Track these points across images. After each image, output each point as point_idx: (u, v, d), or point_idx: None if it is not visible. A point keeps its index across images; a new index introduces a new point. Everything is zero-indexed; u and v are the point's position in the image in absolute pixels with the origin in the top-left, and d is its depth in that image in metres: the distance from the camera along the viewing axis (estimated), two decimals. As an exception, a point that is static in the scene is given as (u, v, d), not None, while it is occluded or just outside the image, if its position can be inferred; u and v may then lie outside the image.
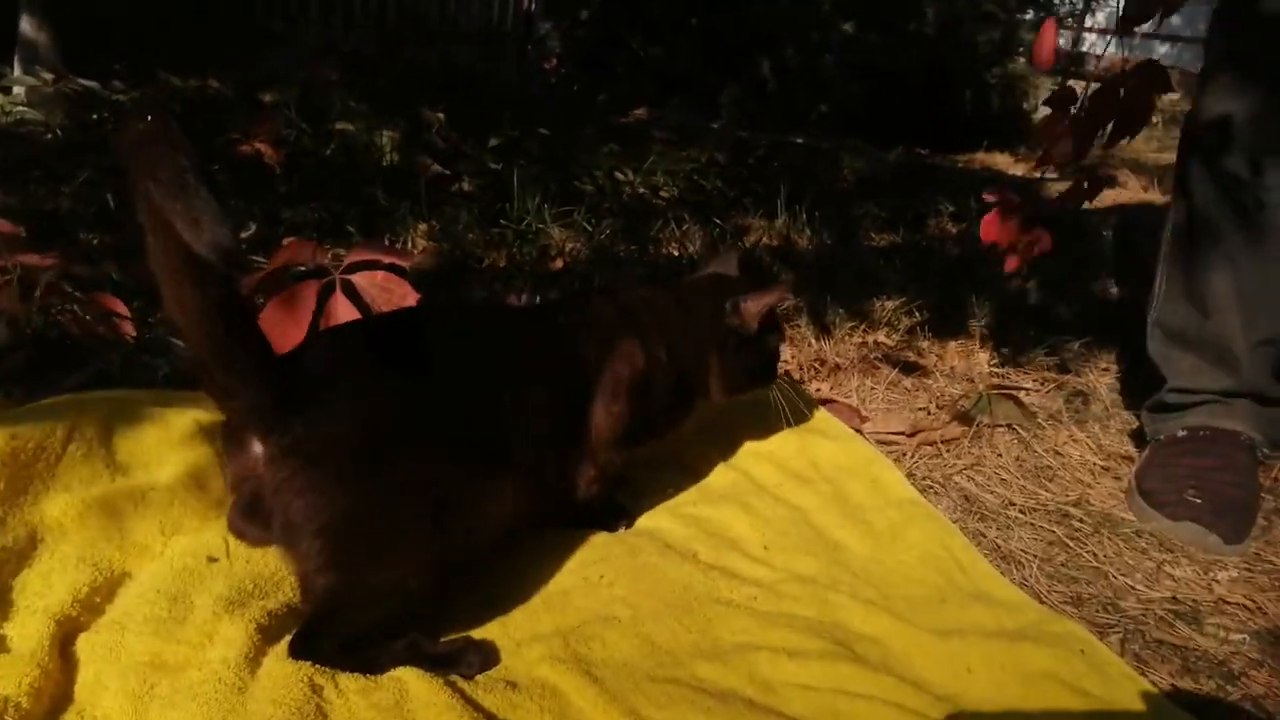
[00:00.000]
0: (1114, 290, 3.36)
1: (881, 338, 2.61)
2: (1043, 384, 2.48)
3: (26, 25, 4.31)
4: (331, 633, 1.14)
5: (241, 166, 3.46)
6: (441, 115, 4.23)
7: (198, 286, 0.98)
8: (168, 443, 1.50)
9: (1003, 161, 6.91)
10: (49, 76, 4.17)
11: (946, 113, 7.08)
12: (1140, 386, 2.23)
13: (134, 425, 1.54)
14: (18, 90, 4.06)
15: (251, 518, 1.23)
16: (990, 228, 1.85)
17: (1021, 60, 7.53)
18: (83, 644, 1.14)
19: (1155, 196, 5.72)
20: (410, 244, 2.91)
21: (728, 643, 1.29)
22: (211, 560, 1.31)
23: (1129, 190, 6.19)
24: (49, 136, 3.61)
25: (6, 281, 1.95)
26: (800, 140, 6.40)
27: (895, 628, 1.37)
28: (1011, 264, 1.99)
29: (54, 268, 2.04)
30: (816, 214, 3.48)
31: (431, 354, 1.28)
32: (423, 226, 2.98)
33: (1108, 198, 5.68)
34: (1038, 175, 6.50)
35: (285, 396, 1.11)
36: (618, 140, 5.01)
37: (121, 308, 2.00)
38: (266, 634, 1.17)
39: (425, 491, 1.16)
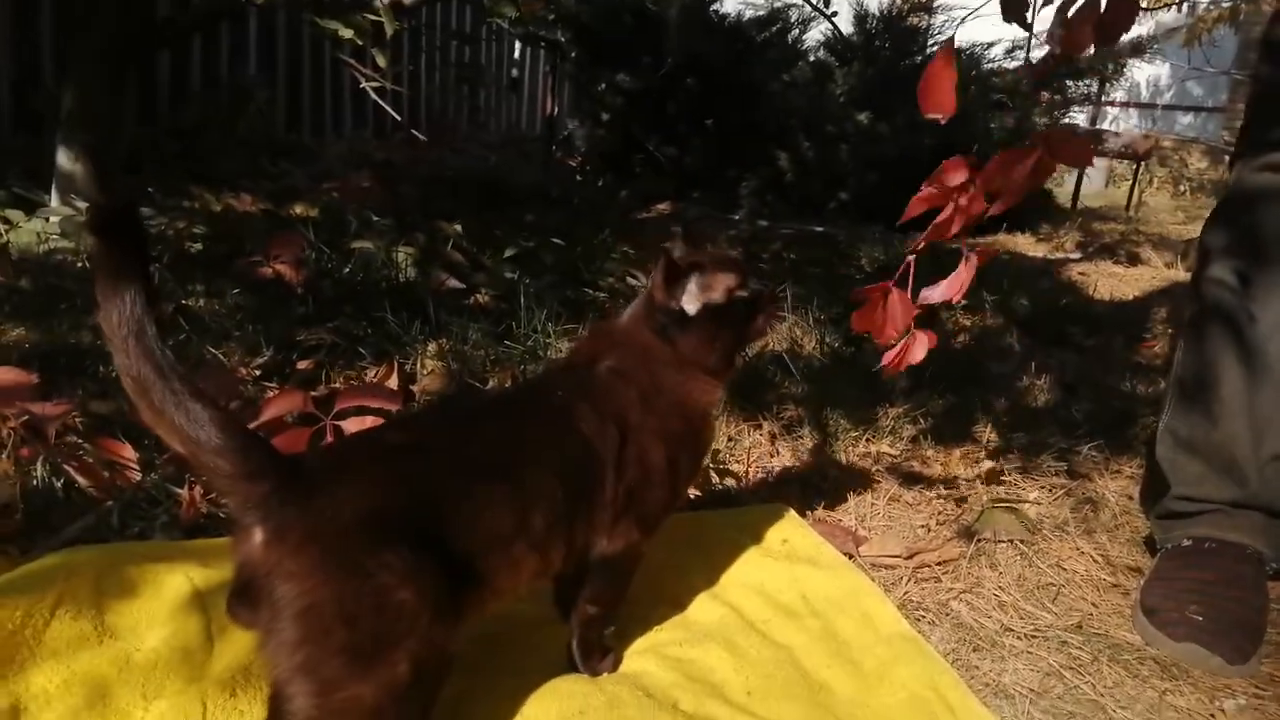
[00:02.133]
0: (1133, 386, 3.32)
1: (885, 447, 2.60)
2: (1050, 491, 2.45)
3: (63, 157, 4.53)
4: None
5: (262, 288, 3.57)
6: (459, 227, 4.35)
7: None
8: (157, 606, 1.54)
9: (1024, 243, 6.91)
10: (83, 205, 4.36)
11: (965, 196, 7.11)
12: (1155, 491, 2.19)
13: (125, 586, 1.58)
14: (54, 220, 4.24)
15: (243, 599, 1.20)
16: (863, 318, 1.59)
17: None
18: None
19: (1178, 274, 5.68)
20: (420, 365, 2.97)
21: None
22: (188, 728, 1.33)
23: (1151, 267, 6.15)
24: (79, 265, 3.76)
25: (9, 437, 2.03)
26: (819, 229, 6.47)
27: (875, 781, 1.34)
28: (889, 362, 1.60)
29: (63, 414, 2.12)
30: (822, 316, 3.50)
31: (430, 446, 1.30)
32: (433, 346, 3.04)
33: (1129, 278, 5.65)
34: (1059, 256, 6.49)
35: (284, 485, 1.13)
36: (635, 240, 5.10)
37: (129, 453, 2.06)
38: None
39: (420, 586, 1.14)
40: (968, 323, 4.01)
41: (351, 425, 1.88)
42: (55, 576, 1.55)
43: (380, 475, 1.20)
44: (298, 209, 5.15)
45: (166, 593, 1.58)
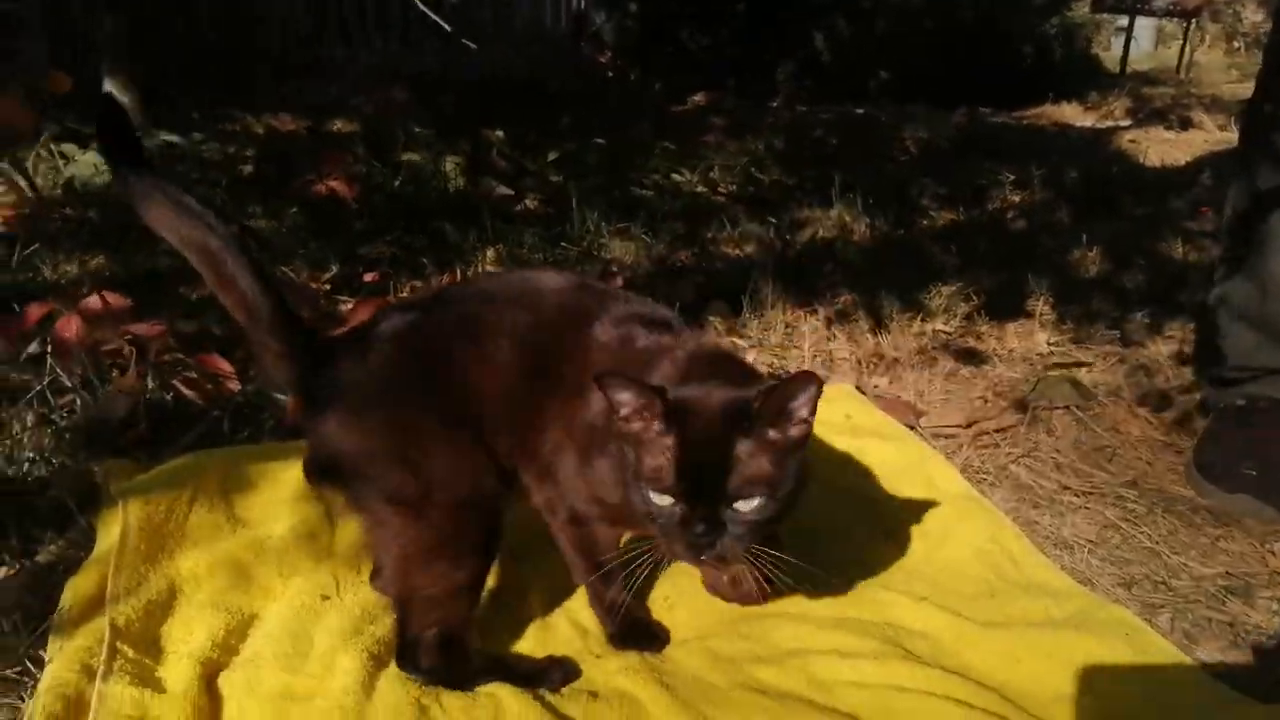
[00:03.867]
0: (1184, 252, 3.33)
1: (939, 326, 2.67)
2: (1104, 358, 2.52)
3: (110, 87, 4.61)
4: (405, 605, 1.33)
5: (318, 206, 3.67)
6: (501, 134, 4.38)
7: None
8: (279, 498, 1.69)
9: (1071, 113, 6.78)
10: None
11: (1007, 68, 6.96)
12: (1207, 356, 2.25)
13: (248, 483, 1.74)
14: (110, 150, 4.34)
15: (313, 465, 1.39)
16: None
17: (1081, 7, 7.33)
18: (224, 681, 1.32)
19: (1231, 137, 5.56)
20: (480, 271, 3.07)
21: (784, 649, 1.41)
22: (324, 598, 1.48)
23: (1204, 130, 6.02)
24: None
25: (121, 358, 2.18)
26: (861, 111, 6.39)
27: (945, 622, 1.47)
28: None
29: (162, 335, 2.25)
30: (871, 200, 3.53)
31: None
32: (490, 253, 3.14)
33: (1180, 143, 5.55)
34: (1108, 125, 6.36)
35: (321, 361, 1.34)
36: (675, 135, 5.10)
37: (226, 366, 2.20)
38: (377, 660, 1.34)
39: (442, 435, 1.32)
40: (1016, 198, 4.01)
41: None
42: (186, 477, 1.70)
43: (397, 347, 1.35)
44: (337, 125, 5.20)
45: (285, 486, 1.73)
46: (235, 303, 1.31)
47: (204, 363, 2.18)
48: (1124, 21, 9.55)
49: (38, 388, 2.01)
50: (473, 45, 3.36)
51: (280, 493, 1.71)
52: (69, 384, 2.04)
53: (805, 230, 3.41)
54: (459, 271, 2.98)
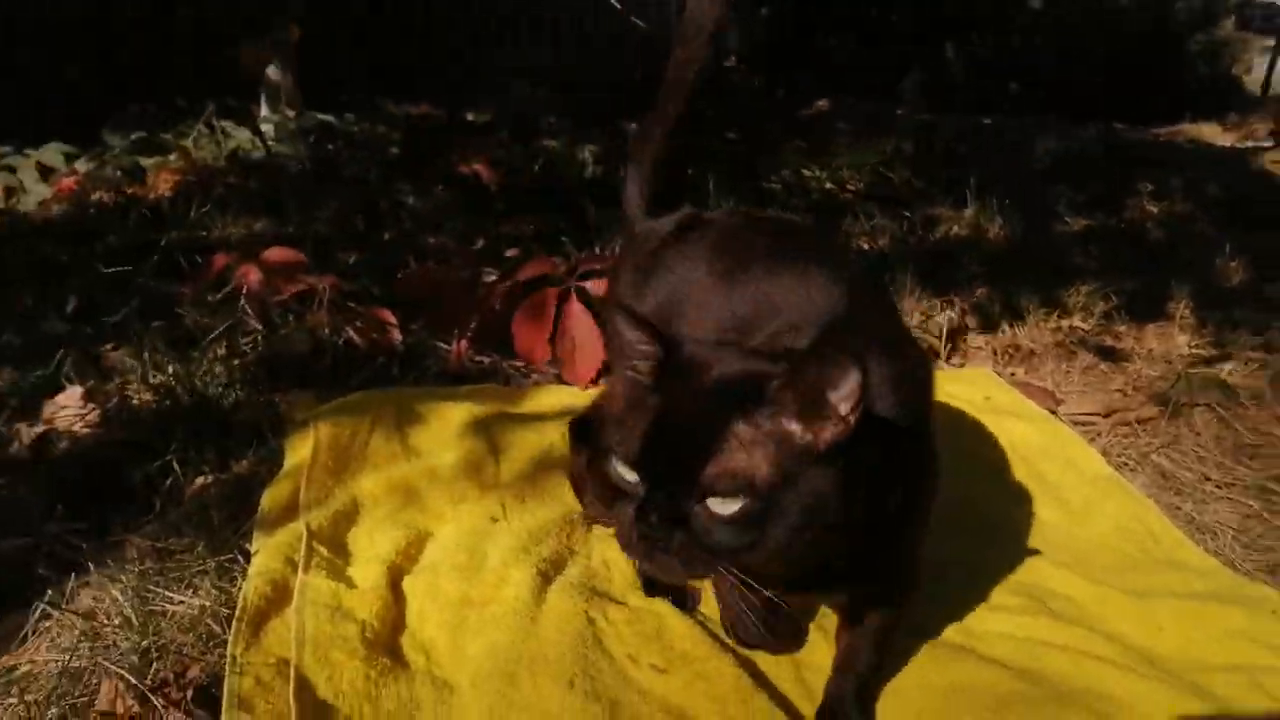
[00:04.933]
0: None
1: (1077, 322, 2.66)
2: (1246, 364, 2.47)
3: (272, 70, 4.90)
4: None
5: (462, 186, 3.85)
6: (635, 126, 4.50)
7: None
8: (447, 433, 1.82)
9: (1209, 132, 6.56)
10: (291, 114, 4.73)
11: (1145, 85, 6.78)
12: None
13: (419, 418, 1.87)
14: (266, 128, 4.63)
15: None
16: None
17: (1229, 25, 7.09)
18: (407, 585, 1.44)
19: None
20: (612, 253, 3.18)
21: (945, 600, 1.46)
22: (493, 520, 1.60)
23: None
24: (297, 168, 4.12)
25: (297, 305, 2.36)
26: (989, 122, 6.32)
27: (1089, 588, 1.50)
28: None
29: (333, 287, 2.43)
30: (1008, 201, 3.52)
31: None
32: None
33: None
34: (1249, 145, 6.14)
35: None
36: (802, 135, 5.16)
37: (391, 318, 2.36)
38: (545, 576, 1.45)
39: None
40: (1154, 209, 3.93)
41: (592, 286, 2.10)
42: (365, 408, 1.85)
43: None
44: (473, 115, 5.42)
45: (452, 422, 1.86)
46: None
47: (372, 313, 2.35)
48: (1270, 42, 9.17)
49: (224, 326, 2.20)
50: (642, 24, 3.45)
51: (447, 428, 1.84)
52: (253, 325, 2.22)
53: (938, 228, 3.43)
54: (597, 250, 3.09)
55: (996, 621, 1.41)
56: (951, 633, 1.40)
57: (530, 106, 5.26)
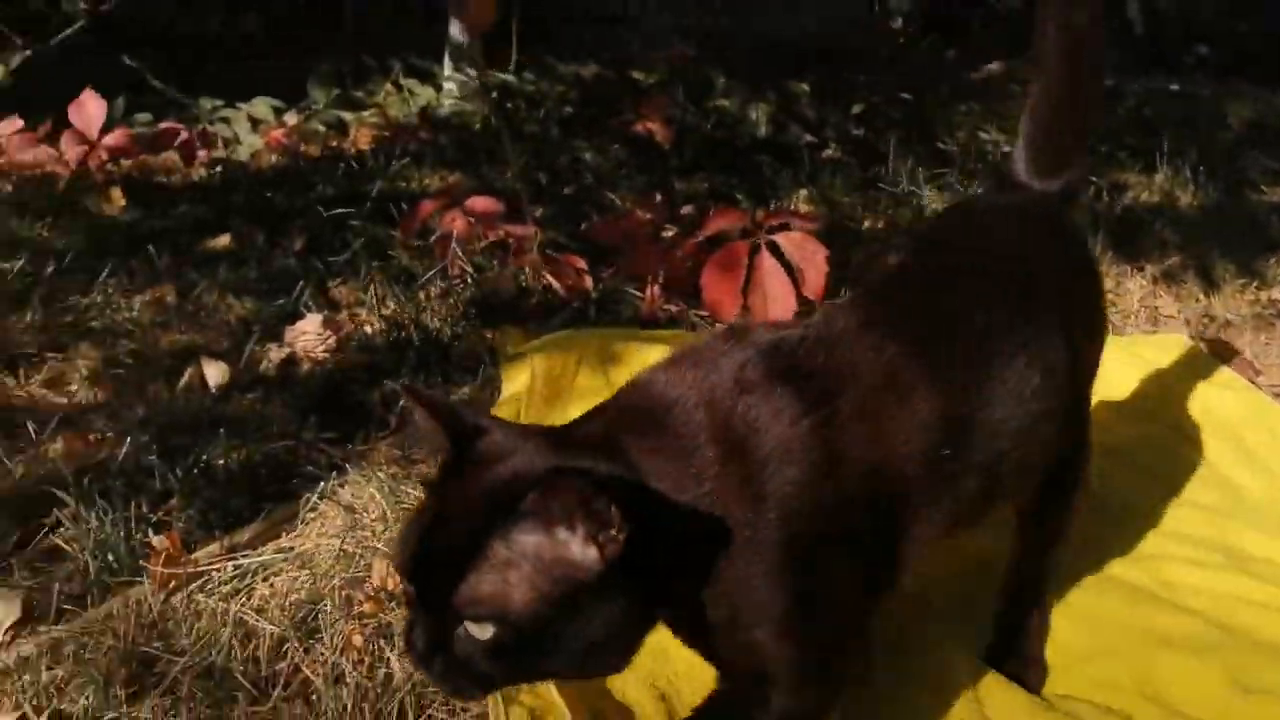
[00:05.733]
0: None
1: (1276, 294, 2.57)
2: None
3: (455, 30, 5.12)
4: None
5: (636, 145, 3.97)
6: (806, 87, 4.52)
7: None
8: (647, 369, 1.93)
9: None
10: (473, 73, 4.94)
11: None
12: None
13: (617, 357, 2.00)
14: (449, 86, 4.85)
15: None
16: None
17: None
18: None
19: None
20: (793, 209, 3.24)
21: (1142, 552, 1.49)
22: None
23: None
24: (478, 125, 4.32)
25: (500, 249, 2.52)
26: (1175, 87, 6.00)
27: (1290, 553, 1.49)
28: None
29: (532, 235, 2.58)
30: (1200, 168, 3.38)
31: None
32: (803, 193, 3.29)
33: None
34: None
35: None
36: (975, 98, 5.04)
37: (583, 265, 2.50)
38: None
39: None
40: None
41: (781, 240, 2.18)
42: (570, 345, 1.99)
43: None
44: (637, 74, 5.52)
45: (649, 362, 1.97)
46: None
47: (567, 261, 2.49)
48: None
49: (438, 267, 2.38)
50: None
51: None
52: (462, 267, 2.40)
53: (1126, 194, 3.33)
54: (773, 206, 3.16)
55: (1193, 576, 1.43)
56: (1148, 581, 1.43)
57: (700, 66, 5.32)
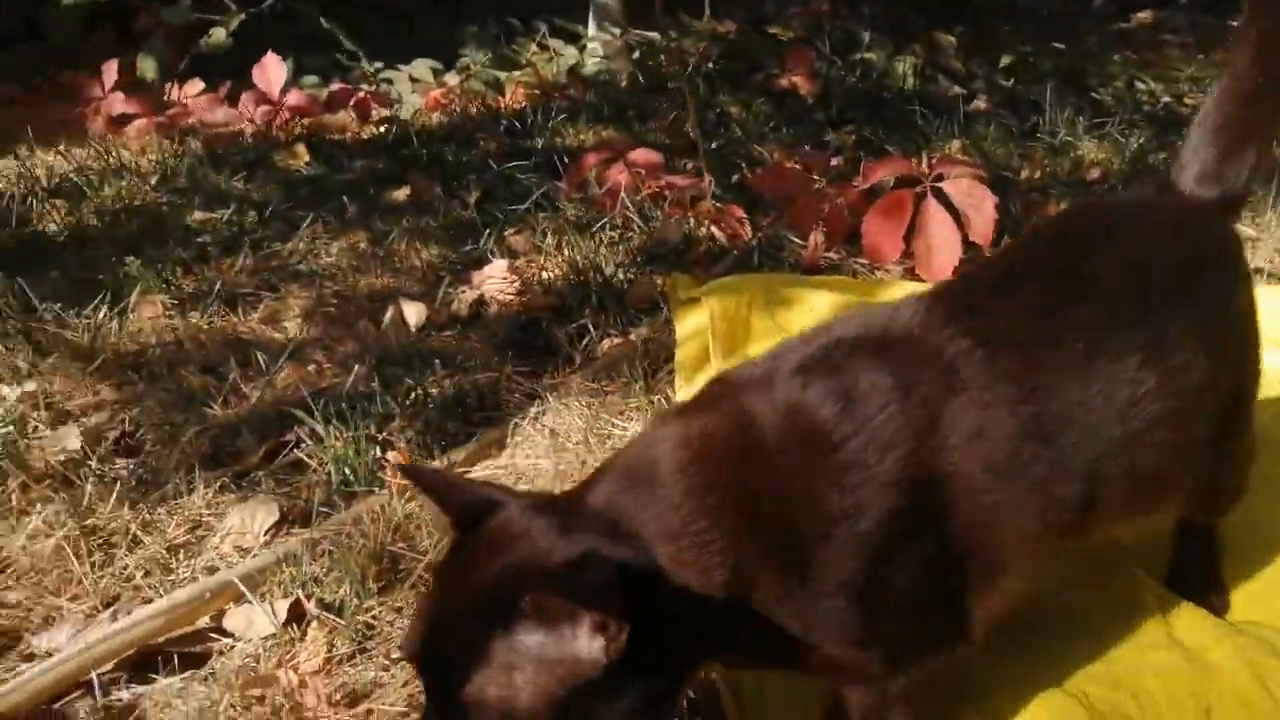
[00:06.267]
0: None
1: None
2: None
3: (598, -11, 5.21)
4: None
5: (782, 99, 4.00)
6: (953, 39, 4.44)
7: None
8: (810, 315, 2.01)
9: None
10: (617, 32, 5.03)
11: None
12: None
13: (785, 300, 2.08)
14: (593, 46, 4.94)
15: None
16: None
17: None
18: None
19: None
20: (936, 162, 3.23)
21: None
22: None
23: None
24: (624, 82, 4.42)
25: (663, 199, 2.62)
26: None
27: None
28: None
29: (693, 185, 2.67)
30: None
31: None
32: (955, 144, 3.28)
33: None
34: None
35: None
36: (1127, 48, 4.87)
37: (743, 214, 2.58)
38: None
39: None
40: None
41: (948, 186, 2.21)
42: (741, 288, 2.08)
43: None
44: (775, 30, 5.50)
45: (816, 306, 2.05)
46: None
47: (727, 210, 2.57)
48: None
49: (607, 217, 2.50)
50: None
51: (812, 312, 2.03)
52: (628, 217, 2.51)
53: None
54: (926, 158, 3.15)
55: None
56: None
57: (841, 20, 5.28)
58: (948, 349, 1.01)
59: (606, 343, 2.04)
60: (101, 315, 2.06)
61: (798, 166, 3.32)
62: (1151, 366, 1.05)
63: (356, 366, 1.86)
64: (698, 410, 1.02)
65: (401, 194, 2.86)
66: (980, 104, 3.91)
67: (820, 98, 3.97)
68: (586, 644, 0.81)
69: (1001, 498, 0.99)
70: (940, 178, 2.27)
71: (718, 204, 2.57)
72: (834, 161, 3.33)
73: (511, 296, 2.21)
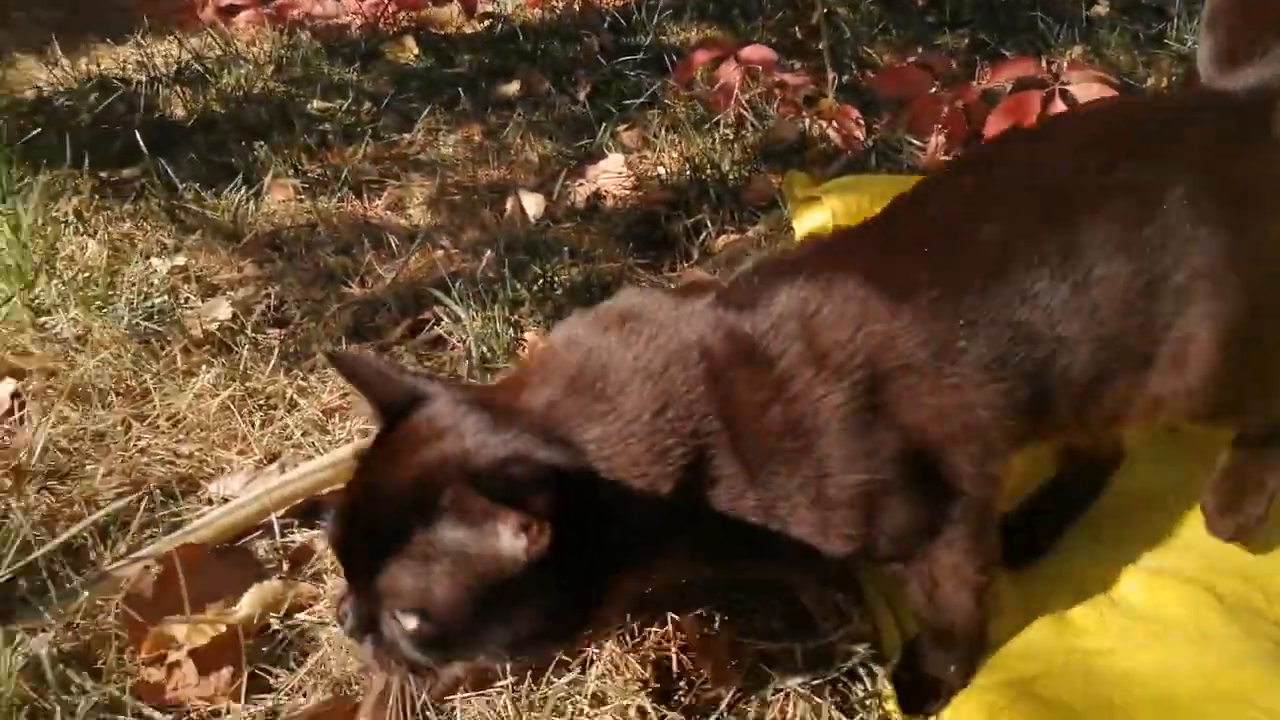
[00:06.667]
0: None
1: None
2: None
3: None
4: None
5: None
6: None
7: None
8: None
9: None
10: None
11: None
12: None
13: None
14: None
15: None
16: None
17: None
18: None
19: None
20: (1064, 67, 3.12)
21: None
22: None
23: None
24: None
25: (775, 97, 2.60)
26: None
27: None
28: None
29: (805, 84, 2.64)
30: None
31: None
32: (1075, 50, 3.16)
33: None
34: None
35: None
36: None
37: (857, 114, 2.55)
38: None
39: None
40: None
41: (1076, 90, 2.16)
42: (859, 187, 2.08)
43: None
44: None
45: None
46: None
47: (843, 111, 2.55)
48: None
49: (720, 114, 2.49)
50: None
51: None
52: (742, 114, 2.50)
53: None
54: (1046, 63, 3.06)
55: None
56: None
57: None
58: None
59: (723, 238, 2.07)
60: (239, 197, 2.15)
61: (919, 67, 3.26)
62: (1142, 271, 1.01)
63: (488, 253, 1.92)
64: (638, 323, 0.99)
65: (512, 88, 2.88)
66: (1102, 9, 3.76)
67: (931, 0, 3.84)
68: (508, 542, 0.82)
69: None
70: (1066, 82, 2.21)
71: (828, 102, 2.55)
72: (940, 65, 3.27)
73: (627, 191, 2.24)
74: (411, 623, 0.84)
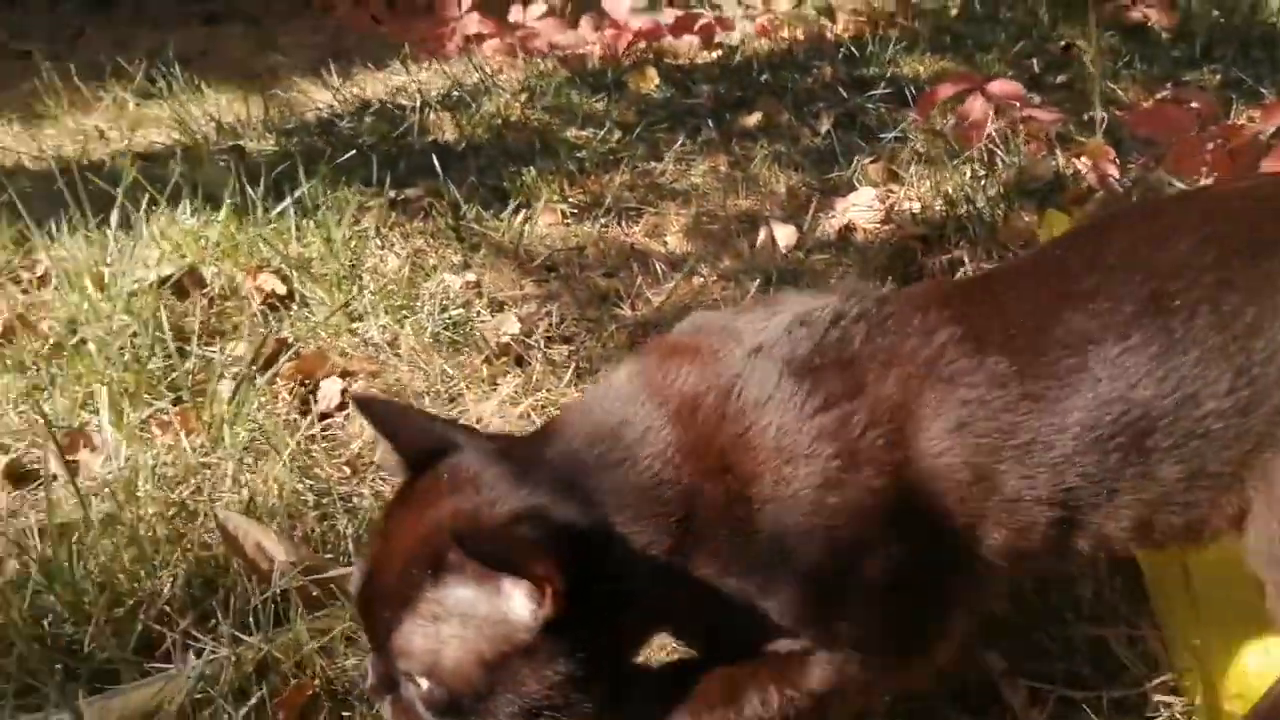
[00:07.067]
0: None
1: None
2: None
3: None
4: None
5: (1131, 31, 3.76)
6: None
7: None
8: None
9: None
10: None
11: None
12: None
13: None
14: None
15: None
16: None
17: None
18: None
19: None
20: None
21: None
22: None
23: None
24: (954, 12, 4.27)
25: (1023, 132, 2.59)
26: None
27: None
28: None
29: (1057, 120, 2.62)
30: None
31: None
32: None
33: None
34: None
35: None
36: None
37: (1111, 153, 2.50)
38: None
39: None
40: None
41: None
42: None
43: None
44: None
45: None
46: None
47: (1094, 148, 2.50)
48: None
49: (971, 149, 2.50)
50: None
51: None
52: (991, 149, 2.50)
53: None
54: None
55: None
56: None
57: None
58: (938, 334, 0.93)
59: (984, 273, 2.08)
60: (518, 219, 2.33)
61: (1179, 105, 3.15)
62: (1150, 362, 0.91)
63: (755, 281, 2.01)
64: (672, 364, 0.94)
65: (753, 119, 2.98)
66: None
67: (1178, 32, 3.70)
68: (518, 605, 0.80)
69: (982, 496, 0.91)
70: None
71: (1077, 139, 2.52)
72: (1193, 104, 3.14)
73: (877, 224, 2.28)
74: (424, 684, 0.82)
